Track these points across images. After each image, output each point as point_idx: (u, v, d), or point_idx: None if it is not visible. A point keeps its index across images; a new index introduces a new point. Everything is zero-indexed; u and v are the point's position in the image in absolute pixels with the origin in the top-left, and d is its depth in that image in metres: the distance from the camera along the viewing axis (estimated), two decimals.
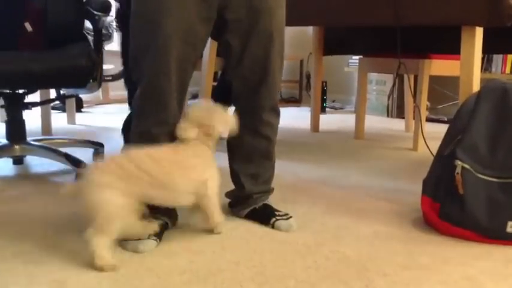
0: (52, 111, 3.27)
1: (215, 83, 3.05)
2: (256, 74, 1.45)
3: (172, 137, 1.38)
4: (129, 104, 1.95)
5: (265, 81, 1.46)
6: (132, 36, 1.37)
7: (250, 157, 1.54)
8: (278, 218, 1.50)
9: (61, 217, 1.55)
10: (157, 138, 1.36)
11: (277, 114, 1.53)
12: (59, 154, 2.05)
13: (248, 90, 1.48)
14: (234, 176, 1.57)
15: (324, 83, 4.22)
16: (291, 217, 1.51)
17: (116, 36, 4.46)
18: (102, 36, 2.00)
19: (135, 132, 1.41)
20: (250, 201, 1.55)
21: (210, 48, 2.61)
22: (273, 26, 1.43)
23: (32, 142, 2.15)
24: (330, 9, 2.26)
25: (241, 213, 1.56)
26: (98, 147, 2.34)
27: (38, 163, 2.23)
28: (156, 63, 1.32)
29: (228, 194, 1.62)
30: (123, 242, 1.32)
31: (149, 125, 1.37)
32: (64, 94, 2.18)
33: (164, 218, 1.42)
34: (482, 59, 3.02)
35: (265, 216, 1.52)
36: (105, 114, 4.02)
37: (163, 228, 1.40)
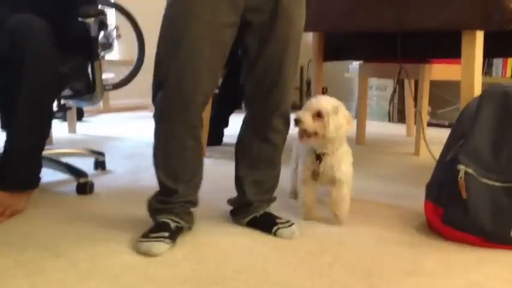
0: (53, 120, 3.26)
1: (216, 91, 3.05)
2: (270, 78, 1.45)
3: (196, 139, 1.42)
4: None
5: (277, 86, 1.46)
6: (160, 40, 1.39)
7: (255, 163, 1.54)
8: (280, 226, 1.49)
9: (61, 227, 1.54)
10: (181, 140, 1.39)
11: (287, 121, 1.52)
12: (59, 164, 2.05)
13: (260, 94, 1.48)
14: (238, 182, 1.57)
15: (325, 89, 4.22)
16: (293, 224, 1.50)
17: (117, 45, 4.47)
18: (96, 45, 1.96)
19: (159, 133, 1.42)
20: (251, 209, 1.54)
21: None
22: (291, 33, 1.44)
23: None
24: (330, 15, 2.26)
25: (242, 221, 1.55)
26: (99, 157, 2.33)
27: None
28: (184, 64, 1.33)
29: (230, 201, 1.61)
30: (140, 244, 1.34)
31: (173, 126, 1.38)
32: (64, 105, 2.17)
33: (181, 221, 1.43)
34: (483, 63, 3.00)
35: (266, 224, 1.51)
36: (106, 123, 4.02)
37: (179, 231, 1.42)
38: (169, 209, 1.43)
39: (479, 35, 1.83)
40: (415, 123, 2.97)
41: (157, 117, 1.41)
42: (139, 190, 1.99)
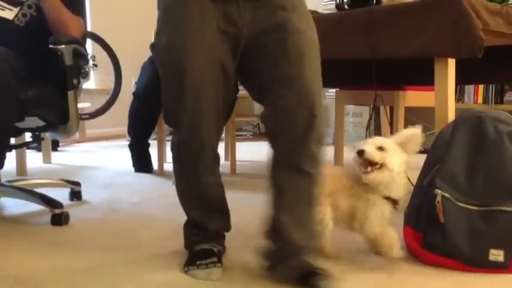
0: (27, 150, 3.21)
1: None
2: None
3: (215, 175, 1.43)
4: None
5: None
6: (163, 88, 1.37)
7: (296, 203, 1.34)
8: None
9: (35, 259, 1.50)
10: (201, 179, 1.41)
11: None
12: (34, 195, 2.00)
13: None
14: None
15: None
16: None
17: (93, 75, 4.45)
18: (72, 74, 1.93)
19: (180, 175, 1.44)
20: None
21: None
22: (303, 48, 1.35)
23: (6, 183, 2.10)
24: None
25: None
26: (74, 187, 2.29)
27: (12, 204, 2.17)
28: (192, 110, 1.31)
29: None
30: (194, 271, 1.36)
31: (194, 166, 1.39)
32: (39, 135, 2.14)
33: (219, 246, 1.47)
34: (455, 90, 3.09)
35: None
36: (82, 153, 3.97)
37: (221, 255, 1.45)
38: (207, 238, 1.45)
39: (451, 63, 1.88)
40: None
41: (177, 159, 1.42)
42: (115, 220, 1.95)
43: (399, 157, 1.43)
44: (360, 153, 1.40)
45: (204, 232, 1.46)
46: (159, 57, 1.39)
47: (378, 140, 1.43)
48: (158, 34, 1.37)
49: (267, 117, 1.34)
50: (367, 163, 1.41)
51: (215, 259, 1.39)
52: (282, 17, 1.31)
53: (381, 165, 1.41)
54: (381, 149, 1.41)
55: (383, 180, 1.41)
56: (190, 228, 1.49)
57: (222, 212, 1.49)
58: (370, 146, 1.41)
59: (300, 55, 1.31)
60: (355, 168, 1.44)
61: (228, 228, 1.52)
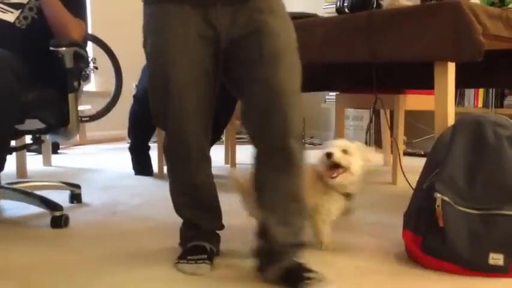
0: (27, 153, 3.21)
1: None
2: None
3: (206, 175, 1.49)
4: None
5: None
6: (149, 92, 1.44)
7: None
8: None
9: (34, 262, 1.50)
10: (193, 176, 1.47)
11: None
12: (33, 197, 2.00)
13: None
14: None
15: (302, 120, 4.25)
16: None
17: (93, 77, 4.46)
18: (73, 76, 1.93)
19: (171, 171, 1.52)
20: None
21: None
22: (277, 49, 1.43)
23: (6, 186, 2.10)
24: (307, 49, 2.30)
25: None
26: (74, 189, 2.29)
27: (12, 207, 2.17)
28: (176, 114, 1.37)
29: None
30: (182, 265, 1.41)
31: (183, 164, 1.46)
32: (39, 137, 2.14)
33: (209, 244, 1.49)
34: (455, 93, 3.10)
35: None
36: (82, 155, 3.97)
37: (213, 253, 1.49)
38: (199, 236, 1.50)
39: (451, 67, 1.88)
40: (392, 152, 3.00)
41: (168, 160, 1.50)
42: (116, 223, 1.95)
43: (360, 160, 1.57)
44: (329, 155, 1.52)
45: (196, 230, 1.51)
46: (147, 63, 1.44)
47: (343, 143, 1.57)
48: (144, 41, 1.43)
49: (245, 118, 1.38)
50: (333, 166, 1.54)
51: (205, 256, 1.43)
52: (258, 21, 1.35)
53: (345, 169, 1.54)
54: (345, 151, 1.54)
55: (346, 182, 1.56)
56: (185, 226, 1.55)
57: (214, 212, 1.55)
58: (337, 149, 1.54)
59: (274, 56, 1.33)
60: (320, 167, 1.56)
61: (219, 227, 1.57)
